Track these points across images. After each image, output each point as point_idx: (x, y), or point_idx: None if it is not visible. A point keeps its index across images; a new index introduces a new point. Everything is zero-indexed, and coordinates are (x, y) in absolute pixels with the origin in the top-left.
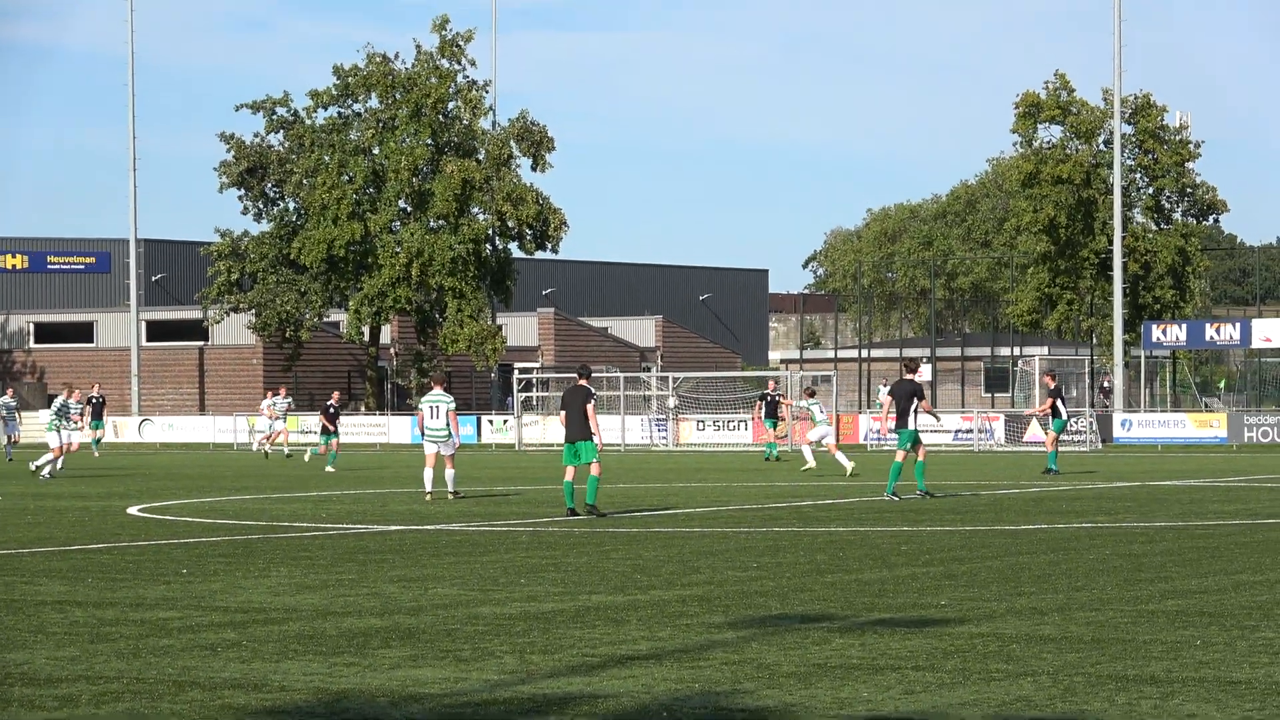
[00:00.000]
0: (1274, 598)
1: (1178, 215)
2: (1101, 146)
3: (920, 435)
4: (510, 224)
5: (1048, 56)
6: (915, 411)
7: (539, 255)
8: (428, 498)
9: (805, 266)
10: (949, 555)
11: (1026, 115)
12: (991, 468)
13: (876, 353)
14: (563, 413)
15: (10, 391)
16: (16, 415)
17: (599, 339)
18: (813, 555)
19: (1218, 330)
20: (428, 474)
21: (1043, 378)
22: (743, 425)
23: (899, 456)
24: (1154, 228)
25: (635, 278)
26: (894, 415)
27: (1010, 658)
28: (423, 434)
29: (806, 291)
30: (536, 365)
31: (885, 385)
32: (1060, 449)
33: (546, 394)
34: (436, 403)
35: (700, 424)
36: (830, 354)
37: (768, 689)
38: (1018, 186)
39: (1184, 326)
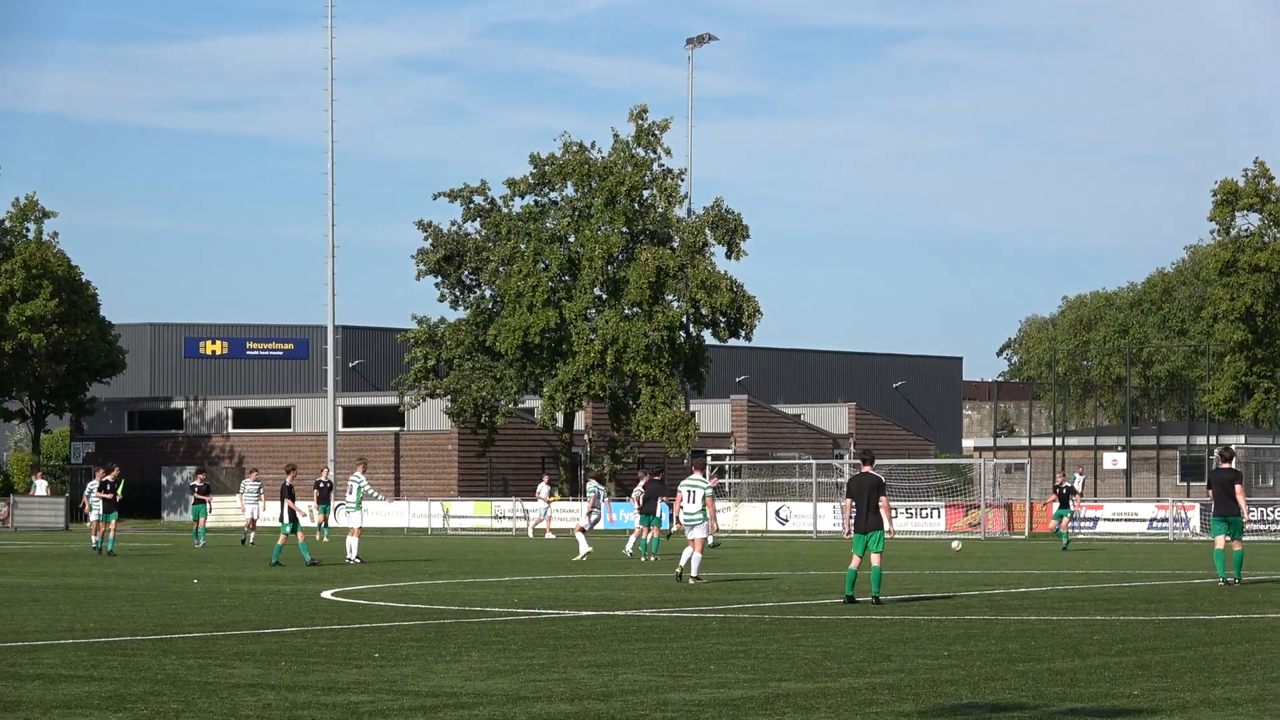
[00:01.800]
0: None
1: None
2: None
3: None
4: (704, 311)
5: (1248, 145)
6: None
7: (732, 343)
8: (690, 580)
9: (1000, 354)
10: (1142, 645)
11: (1224, 203)
12: (1186, 557)
13: (1070, 440)
14: (848, 501)
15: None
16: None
17: (791, 425)
18: (1004, 644)
19: None
20: (688, 553)
21: None
22: (935, 513)
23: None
24: None
25: (829, 365)
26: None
27: None
28: (675, 519)
29: (1001, 379)
30: (729, 452)
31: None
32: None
33: (740, 480)
34: (694, 487)
35: (893, 511)
36: (1024, 441)
37: None
38: (1215, 274)
39: None
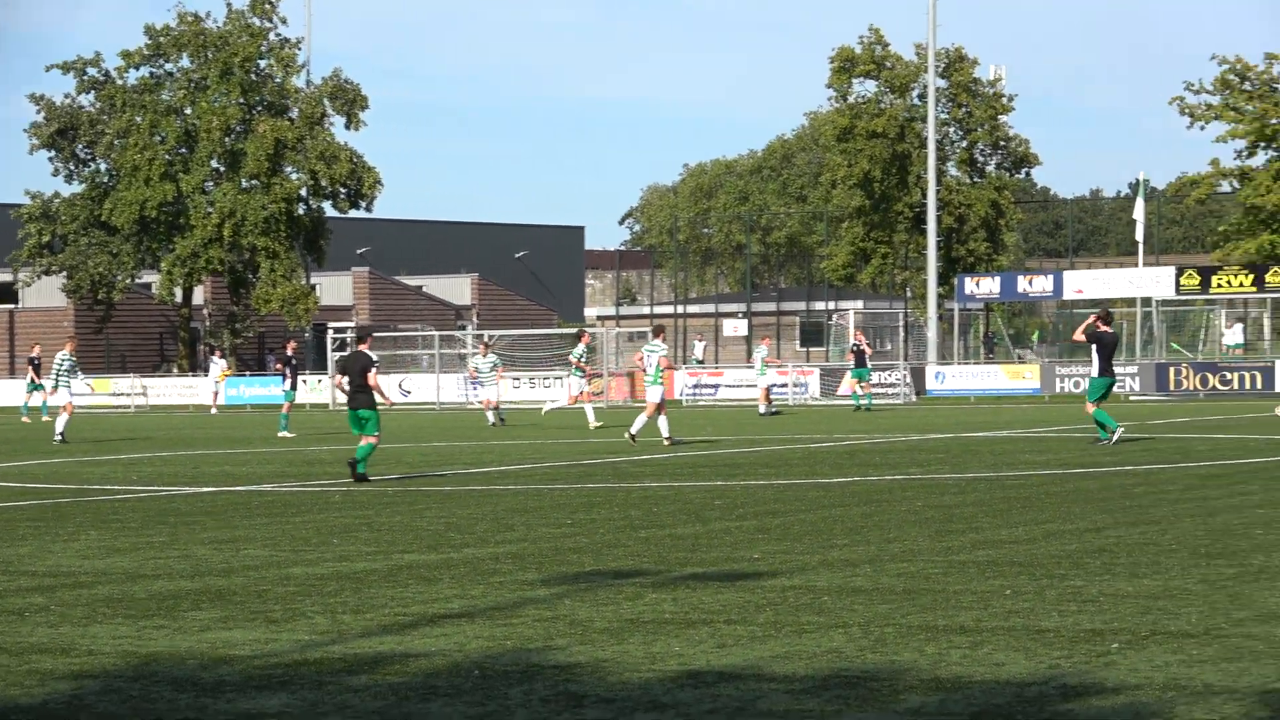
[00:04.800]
0: (1083, 546)
1: (991, 169)
2: (915, 100)
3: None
4: (324, 183)
5: (863, 11)
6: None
7: (353, 214)
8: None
9: (621, 223)
10: (762, 509)
11: (841, 70)
12: (806, 421)
13: (692, 308)
14: (341, 378)
15: None
16: None
17: (414, 297)
18: (626, 511)
19: (1030, 282)
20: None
21: None
22: (558, 382)
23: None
24: (967, 181)
25: (450, 235)
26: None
27: (822, 610)
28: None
29: (623, 248)
30: (351, 324)
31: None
32: (874, 402)
33: None
34: (650, 352)
35: (516, 381)
36: (646, 310)
37: (580, 645)
38: (832, 141)
39: (997, 279)
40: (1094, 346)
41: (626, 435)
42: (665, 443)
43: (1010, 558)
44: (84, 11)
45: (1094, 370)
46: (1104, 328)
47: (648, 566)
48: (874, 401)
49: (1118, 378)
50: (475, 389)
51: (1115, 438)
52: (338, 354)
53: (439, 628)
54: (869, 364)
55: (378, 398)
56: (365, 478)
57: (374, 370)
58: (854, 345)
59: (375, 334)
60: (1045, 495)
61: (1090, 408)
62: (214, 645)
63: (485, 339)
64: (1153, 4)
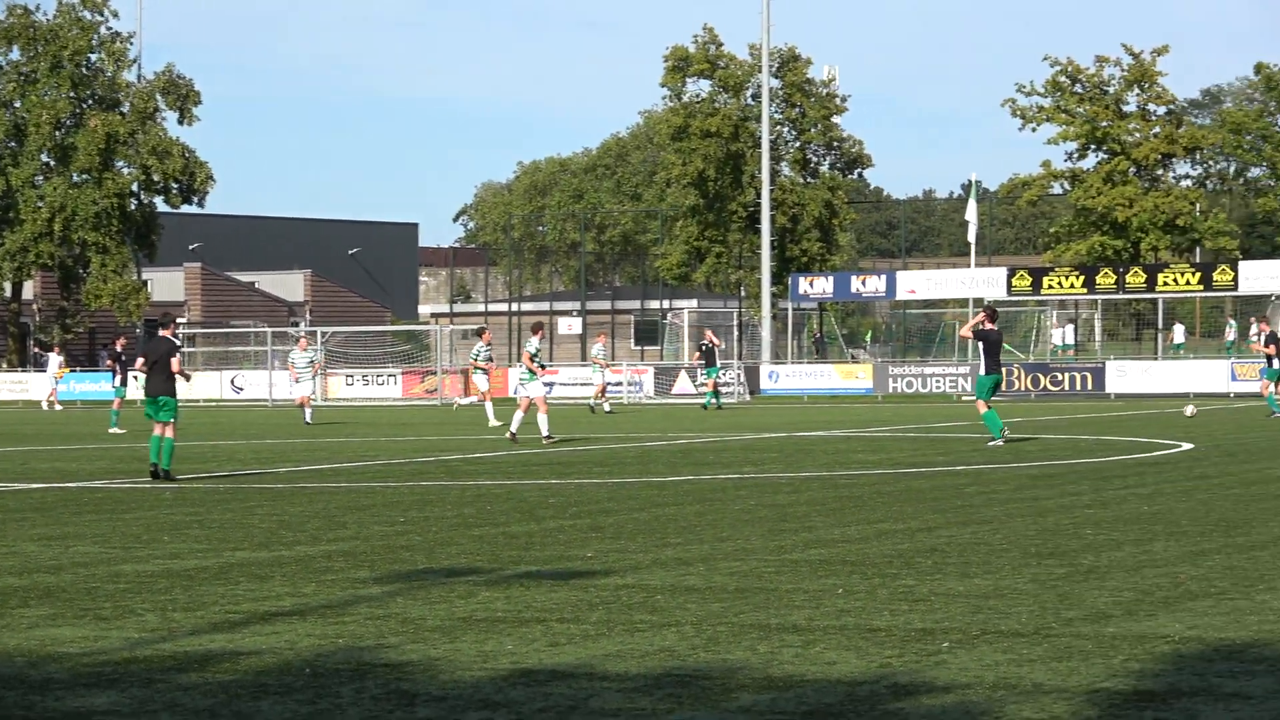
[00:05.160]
0: (915, 546)
1: (825, 169)
2: (750, 100)
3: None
4: (156, 178)
5: (698, 10)
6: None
7: (185, 209)
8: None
9: (456, 220)
10: (596, 507)
11: (675, 69)
12: (641, 420)
13: (527, 306)
14: (141, 362)
15: None
16: None
17: (246, 293)
18: (460, 509)
19: (864, 282)
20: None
21: (1259, 324)
22: (392, 380)
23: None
24: (801, 181)
25: (284, 232)
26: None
27: (655, 609)
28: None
29: (457, 245)
30: (183, 320)
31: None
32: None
33: (193, 349)
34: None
35: (349, 379)
36: (481, 307)
37: (412, 643)
38: (667, 140)
39: (831, 279)
40: (980, 345)
41: (508, 433)
42: (542, 441)
43: (843, 557)
44: None
45: (981, 368)
46: (989, 325)
47: (481, 564)
48: (710, 402)
49: (1003, 374)
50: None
51: (1001, 440)
52: None
53: (270, 625)
54: (719, 362)
55: (180, 382)
56: (171, 476)
57: (178, 357)
58: (704, 344)
59: (175, 323)
60: (878, 495)
61: (982, 406)
62: (42, 643)
63: (302, 333)
64: (985, 6)
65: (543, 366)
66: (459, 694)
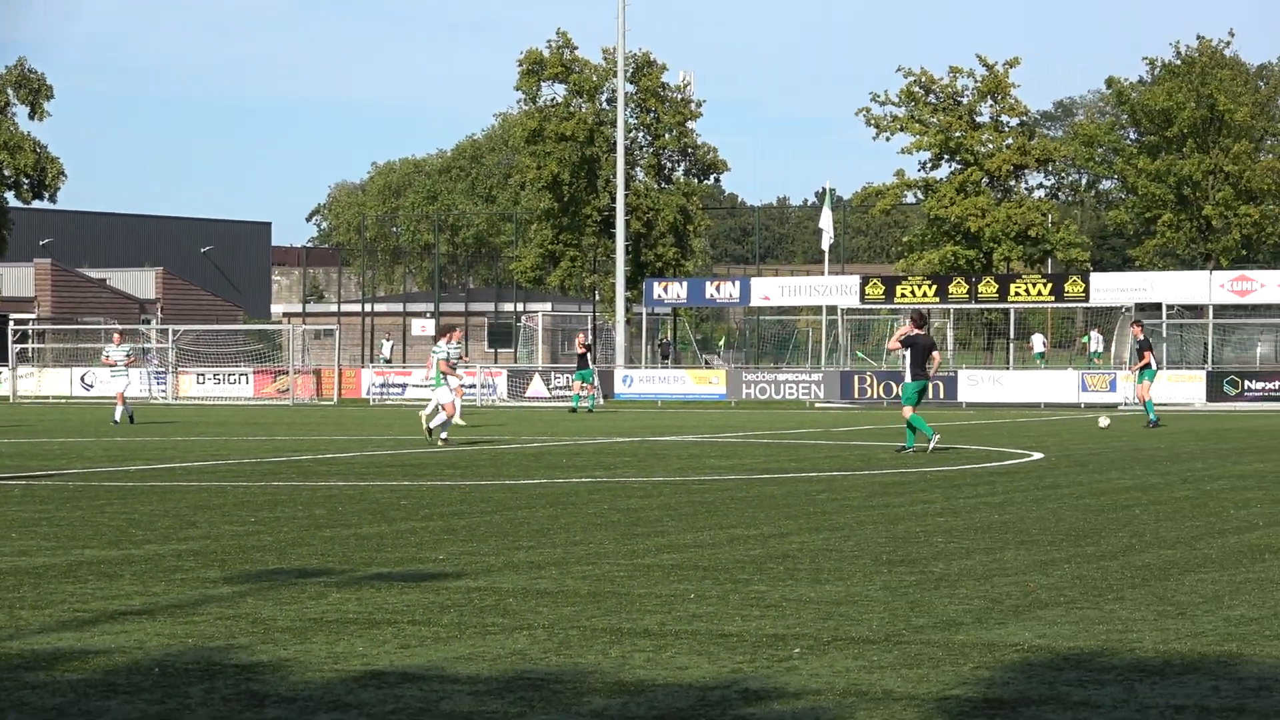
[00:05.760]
0: (767, 552)
1: (679, 174)
2: (605, 105)
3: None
4: (6, 173)
5: (553, 13)
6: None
7: (35, 205)
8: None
9: (309, 220)
10: (448, 510)
11: (530, 73)
12: (495, 422)
13: (380, 307)
14: None
15: None
16: None
17: (97, 290)
18: (311, 510)
19: (718, 288)
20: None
21: (1131, 328)
22: (244, 379)
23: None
24: (656, 187)
25: (135, 229)
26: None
27: (507, 612)
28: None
29: (310, 245)
30: (33, 316)
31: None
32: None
33: (43, 345)
34: (433, 354)
35: (201, 377)
36: (334, 307)
37: (262, 644)
38: (522, 143)
39: (685, 284)
40: (907, 351)
41: (438, 439)
42: (439, 441)
43: (695, 562)
44: None
45: (906, 375)
46: (917, 331)
47: (332, 566)
48: (580, 405)
49: (930, 381)
50: (113, 379)
51: (931, 445)
52: (18, 346)
53: (119, 624)
54: (591, 365)
55: None
56: None
57: None
58: (580, 350)
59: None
60: (730, 500)
61: (907, 412)
62: None
63: (119, 329)
64: (841, 15)
65: (453, 368)
66: (309, 695)
